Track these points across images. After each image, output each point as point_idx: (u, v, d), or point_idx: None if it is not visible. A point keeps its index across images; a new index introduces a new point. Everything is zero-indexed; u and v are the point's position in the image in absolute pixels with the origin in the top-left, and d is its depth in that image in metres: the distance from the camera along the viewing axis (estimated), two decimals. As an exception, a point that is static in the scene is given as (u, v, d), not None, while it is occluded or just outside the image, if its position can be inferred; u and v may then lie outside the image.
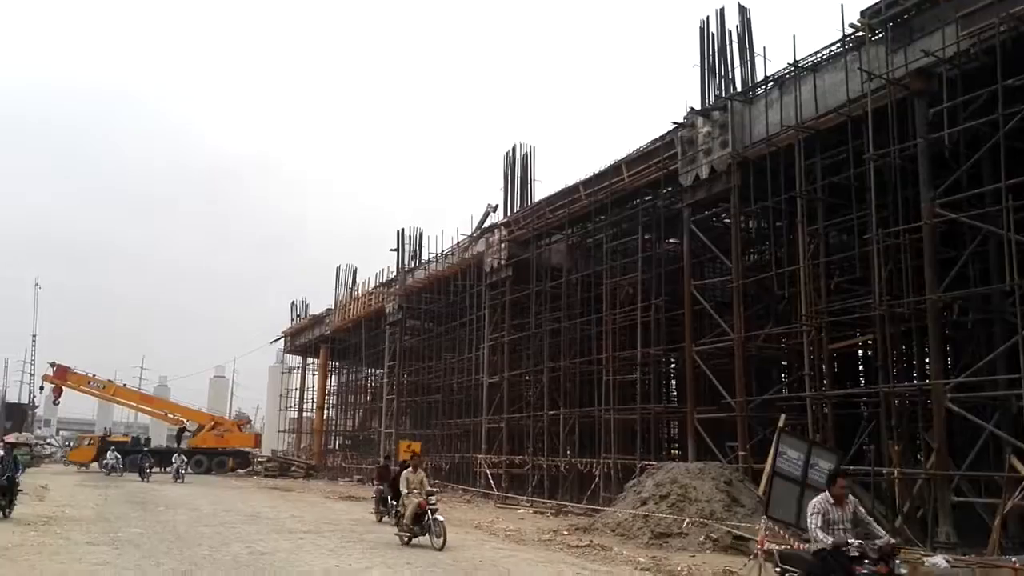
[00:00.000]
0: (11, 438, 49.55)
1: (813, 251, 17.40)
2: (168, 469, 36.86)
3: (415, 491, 14.14)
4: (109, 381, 50.14)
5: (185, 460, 36.78)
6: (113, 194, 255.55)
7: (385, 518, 17.83)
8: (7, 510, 15.73)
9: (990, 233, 14.32)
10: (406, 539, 13.81)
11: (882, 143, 15.22)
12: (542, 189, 29.94)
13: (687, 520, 14.96)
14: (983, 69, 13.65)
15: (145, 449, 39.70)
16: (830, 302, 17.18)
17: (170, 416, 52.75)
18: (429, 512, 13.47)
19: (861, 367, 23.23)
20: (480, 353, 31.41)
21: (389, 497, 17.28)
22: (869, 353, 21.64)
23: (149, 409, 54.40)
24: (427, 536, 13.40)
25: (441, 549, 12.85)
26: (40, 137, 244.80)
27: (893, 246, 15.39)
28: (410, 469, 14.83)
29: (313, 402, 53.70)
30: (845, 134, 16.00)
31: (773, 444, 12.56)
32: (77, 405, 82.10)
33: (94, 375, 48.28)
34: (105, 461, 38.18)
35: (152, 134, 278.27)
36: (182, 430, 48.98)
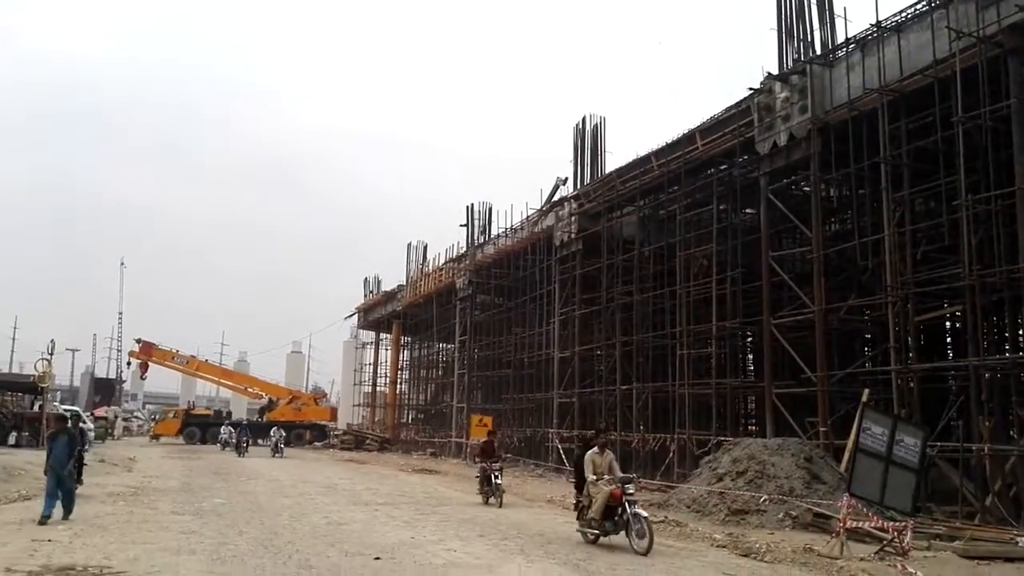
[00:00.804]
0: (100, 411, 52.65)
1: (898, 219, 16.72)
2: (265, 442, 38.28)
3: (605, 477, 11.33)
4: (192, 356, 52.40)
5: (283, 434, 36.62)
6: (198, 170, 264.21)
7: (492, 499, 16.51)
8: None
9: (1092, 197, 13.49)
10: (592, 537, 11.22)
11: (972, 105, 14.51)
12: (612, 161, 29.54)
13: (765, 497, 14.73)
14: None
15: (243, 422, 41.39)
16: (916, 272, 16.52)
17: (250, 390, 54.93)
18: (627, 504, 10.71)
19: (949, 340, 22.31)
20: (550, 328, 31.46)
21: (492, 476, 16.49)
22: (958, 325, 20.75)
23: (230, 383, 56.68)
24: (624, 535, 10.73)
25: (646, 553, 10.09)
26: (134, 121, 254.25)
27: (984, 213, 14.71)
28: (595, 450, 11.79)
29: (386, 376, 54.88)
30: (932, 96, 15.30)
31: (856, 419, 12.25)
32: (162, 380, 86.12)
33: (177, 351, 50.49)
34: (220, 437, 39.35)
35: (236, 109, 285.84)
36: (269, 403, 50.74)
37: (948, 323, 21.45)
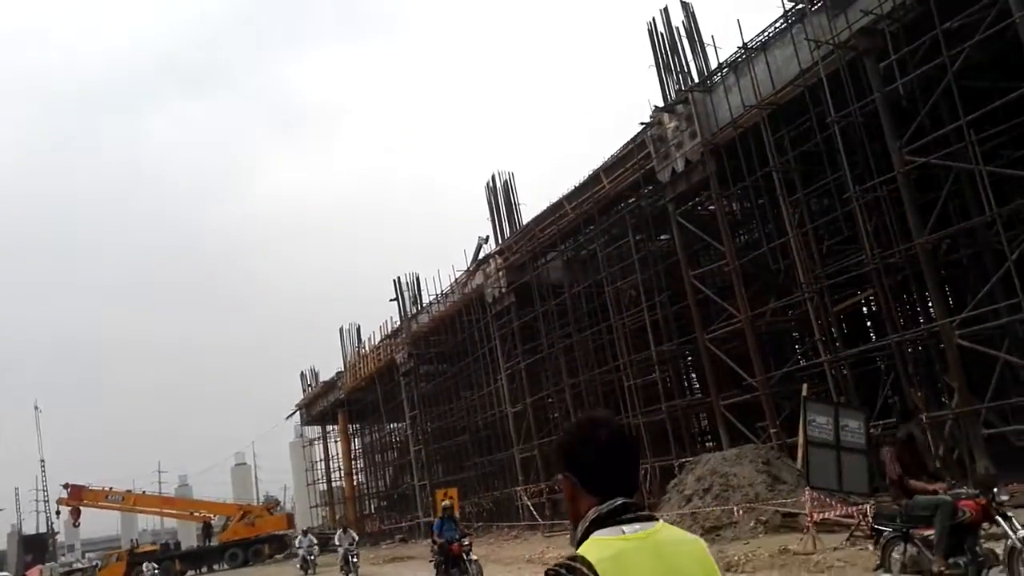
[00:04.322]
0: (34, 572, 49.02)
1: (799, 220, 17.78)
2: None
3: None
4: (128, 491, 49.44)
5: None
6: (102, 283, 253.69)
7: None
8: None
9: (961, 170, 14.71)
10: None
11: (841, 105, 15.69)
12: (528, 211, 30.31)
13: (734, 508, 15.12)
14: (921, 16, 14.14)
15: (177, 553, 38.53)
16: (825, 266, 17.54)
17: (196, 514, 52.03)
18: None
19: (870, 323, 23.51)
20: (499, 385, 31.57)
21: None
22: (874, 308, 21.94)
23: (174, 511, 53.63)
24: None
25: None
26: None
27: (873, 200, 15.80)
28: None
29: (340, 470, 53.38)
30: (806, 103, 16.48)
31: (801, 414, 12.82)
32: (99, 522, 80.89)
33: (111, 488, 47.49)
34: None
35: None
36: (207, 525, 48.40)
37: (865, 308, 22.65)
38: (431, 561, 14.58)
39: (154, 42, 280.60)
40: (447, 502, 15.10)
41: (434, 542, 14.05)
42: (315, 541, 27.58)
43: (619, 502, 1.69)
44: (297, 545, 26.39)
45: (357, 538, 21.77)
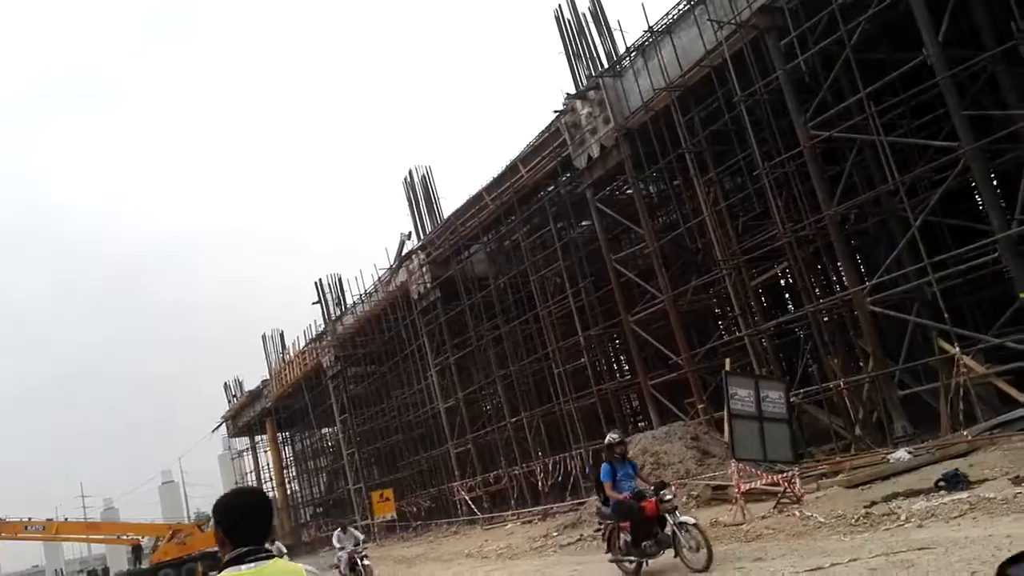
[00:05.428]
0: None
1: (713, 199, 18.07)
2: None
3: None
4: (49, 520, 47.36)
5: None
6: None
7: None
8: None
9: (864, 142, 15.17)
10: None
11: (747, 84, 15.98)
12: (448, 205, 30.11)
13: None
14: (818, -7, 14.48)
15: None
16: (741, 242, 17.89)
17: (124, 537, 50.25)
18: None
19: (787, 295, 24.18)
20: (430, 381, 31.23)
21: None
22: (791, 280, 22.56)
23: (100, 537, 51.67)
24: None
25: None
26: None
27: (782, 175, 16.17)
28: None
29: (272, 480, 52.17)
30: (713, 84, 16.73)
31: (723, 388, 13.00)
32: (22, 553, 77.35)
33: (29, 519, 45.49)
34: None
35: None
36: (137, 548, 46.75)
37: (783, 281, 23.27)
38: (598, 530, 10.73)
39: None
40: (614, 435, 9.98)
41: (606, 502, 9.68)
42: (361, 538, 17.73)
43: (244, 550, 2.54)
44: (337, 544, 17.14)
45: (363, 537, 17.47)
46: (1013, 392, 12.95)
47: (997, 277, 15.86)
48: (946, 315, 13.62)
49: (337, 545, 16.23)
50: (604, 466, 9.68)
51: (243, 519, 2.63)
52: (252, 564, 2.50)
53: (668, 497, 9.15)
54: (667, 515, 9.06)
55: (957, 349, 13.48)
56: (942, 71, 13.16)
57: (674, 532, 8.97)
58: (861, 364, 16.54)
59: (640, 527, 9.13)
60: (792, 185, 16.22)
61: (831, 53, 14.64)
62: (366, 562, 15.78)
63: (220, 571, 2.57)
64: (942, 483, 9.83)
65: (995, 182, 16.68)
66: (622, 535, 9.42)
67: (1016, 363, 13.06)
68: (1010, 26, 13.13)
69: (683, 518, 9.18)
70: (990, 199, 14.03)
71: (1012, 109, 14.05)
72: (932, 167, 14.46)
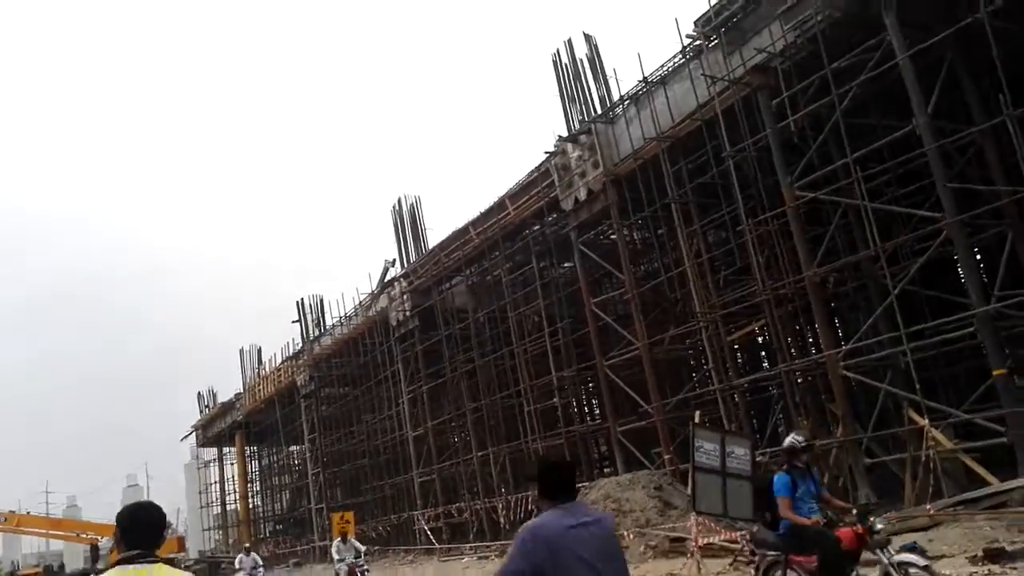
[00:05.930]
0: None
1: (695, 251, 18.10)
2: None
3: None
4: (11, 512, 46.61)
5: None
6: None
7: None
8: None
9: (848, 205, 15.27)
10: None
11: (736, 139, 16.11)
12: (434, 236, 30.03)
13: (625, 532, 15.07)
14: (812, 56, 14.66)
15: None
16: (720, 296, 17.88)
17: (83, 536, 49.50)
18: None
19: (763, 352, 24.16)
20: (400, 408, 30.92)
21: None
22: (768, 337, 22.55)
23: (60, 533, 50.83)
24: None
25: None
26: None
27: (765, 232, 16.23)
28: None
29: (236, 492, 51.37)
30: (703, 137, 16.85)
31: (690, 441, 12.86)
32: (-23, 546, 75.70)
33: None
34: None
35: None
36: (95, 548, 45.87)
37: (759, 338, 23.26)
38: (751, 562, 8.97)
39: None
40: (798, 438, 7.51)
41: (771, 524, 7.36)
42: (260, 562, 20.23)
43: (135, 552, 2.94)
44: (238, 566, 19.18)
45: (363, 548, 17.04)
46: (980, 470, 12.86)
47: (973, 352, 15.85)
48: (918, 386, 13.56)
49: (336, 556, 15.95)
50: (781, 476, 7.11)
51: (137, 527, 3.04)
52: (140, 565, 2.90)
53: (880, 527, 6.58)
54: (879, 551, 6.56)
55: (927, 421, 13.42)
56: (930, 141, 13.30)
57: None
58: (831, 428, 16.45)
59: (831, 566, 6.64)
60: (775, 243, 16.28)
61: (821, 115, 14.78)
62: None
63: (110, 568, 2.96)
64: (899, 555, 9.64)
65: (977, 256, 16.84)
66: (791, 574, 7.05)
67: (985, 440, 13.01)
68: (999, 101, 13.32)
69: (907, 556, 6.59)
70: (970, 273, 14.11)
71: (998, 184, 14.19)
72: (915, 236, 14.55)
